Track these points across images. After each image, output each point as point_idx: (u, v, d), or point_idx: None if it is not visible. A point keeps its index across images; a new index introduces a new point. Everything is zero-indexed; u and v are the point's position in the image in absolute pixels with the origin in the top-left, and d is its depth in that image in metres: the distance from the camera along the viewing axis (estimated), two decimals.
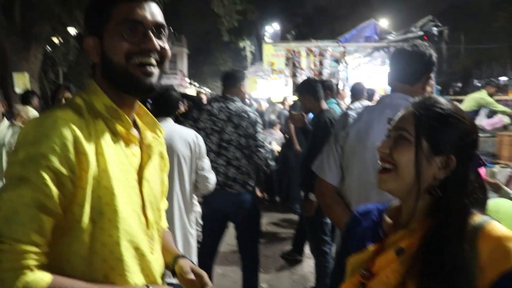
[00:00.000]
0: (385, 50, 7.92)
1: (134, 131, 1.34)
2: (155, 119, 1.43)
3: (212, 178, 3.43)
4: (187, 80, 42.75)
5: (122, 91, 1.27)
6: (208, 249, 3.96)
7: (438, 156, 1.21)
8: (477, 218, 1.17)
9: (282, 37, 27.98)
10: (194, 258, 3.41)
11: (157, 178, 1.43)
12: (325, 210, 2.40)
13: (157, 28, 1.25)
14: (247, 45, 30.09)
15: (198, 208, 3.93)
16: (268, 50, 8.41)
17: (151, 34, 1.22)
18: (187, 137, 3.28)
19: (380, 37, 8.68)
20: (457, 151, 1.20)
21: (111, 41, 1.22)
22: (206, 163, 3.40)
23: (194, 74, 46.19)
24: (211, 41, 35.87)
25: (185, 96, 6.40)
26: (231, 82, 3.96)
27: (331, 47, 7.92)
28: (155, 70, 1.25)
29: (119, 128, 1.26)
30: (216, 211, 3.89)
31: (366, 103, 5.62)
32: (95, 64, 1.28)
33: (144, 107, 1.43)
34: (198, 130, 3.72)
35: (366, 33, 8.80)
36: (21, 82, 11.61)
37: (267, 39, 26.19)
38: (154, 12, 1.25)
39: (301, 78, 7.44)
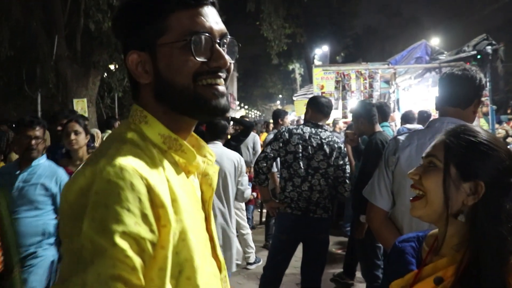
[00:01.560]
0: (436, 71, 7.79)
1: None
2: (199, 139, 1.19)
3: (247, 192, 4.27)
4: (237, 102, 43.29)
5: (188, 115, 1.04)
6: (275, 273, 3.93)
7: (466, 182, 1.22)
8: None
9: (331, 59, 28.04)
10: (234, 251, 4.09)
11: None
12: (376, 235, 2.40)
13: (223, 37, 1.04)
14: (297, 68, 30.28)
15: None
16: (318, 73, 8.45)
17: (221, 49, 1.02)
18: (233, 158, 4.11)
19: (431, 57, 8.54)
20: (487, 177, 1.21)
21: (172, 58, 0.99)
22: (245, 180, 4.20)
23: (244, 97, 46.74)
24: (260, 64, 36.29)
25: (234, 120, 6.51)
26: (326, 111, 3.96)
27: (381, 70, 7.87)
28: (224, 89, 1.04)
29: (180, 160, 1.04)
30: (293, 235, 3.87)
31: (417, 126, 5.54)
32: (141, 85, 1.05)
33: None
34: (286, 152, 3.79)
35: (417, 54, 8.70)
36: (80, 107, 12.24)
37: (316, 61, 26.29)
38: (217, 18, 1.04)
39: (351, 101, 7.43)
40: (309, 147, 3.78)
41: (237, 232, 5.99)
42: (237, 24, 26.65)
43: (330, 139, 3.82)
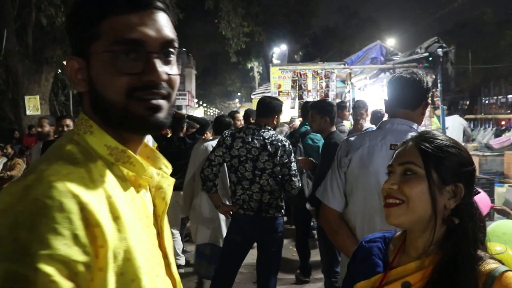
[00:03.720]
0: (390, 72, 7.98)
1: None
2: (155, 151, 1.11)
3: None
4: (195, 100, 43.02)
5: (122, 130, 0.95)
6: (227, 274, 3.91)
7: (448, 186, 1.24)
8: (493, 264, 1.18)
9: (290, 58, 28.26)
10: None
11: (167, 221, 1.12)
12: (329, 236, 2.42)
13: (165, 46, 0.93)
14: (255, 66, 30.35)
15: None
16: (275, 72, 8.50)
17: (156, 61, 0.90)
18: None
19: (386, 58, 8.76)
20: (463, 179, 1.25)
21: (101, 70, 0.90)
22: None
23: (203, 95, 46.52)
24: (219, 62, 36.25)
25: (190, 117, 6.41)
26: (268, 112, 3.93)
27: (337, 69, 7.99)
28: (164, 103, 0.93)
29: (129, 173, 0.96)
30: (248, 236, 3.85)
31: (368, 125, 5.65)
32: (83, 93, 0.97)
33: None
34: (231, 157, 3.76)
35: (372, 55, 8.89)
36: (32, 105, 11.86)
37: (275, 60, 26.43)
38: (161, 25, 0.92)
39: (307, 100, 7.50)
40: (253, 149, 3.77)
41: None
42: (195, 22, 26.47)
43: (273, 138, 3.82)
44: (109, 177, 0.90)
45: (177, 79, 0.97)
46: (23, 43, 11.84)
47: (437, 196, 1.23)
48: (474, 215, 1.24)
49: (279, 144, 3.79)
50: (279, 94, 8.31)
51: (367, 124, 5.66)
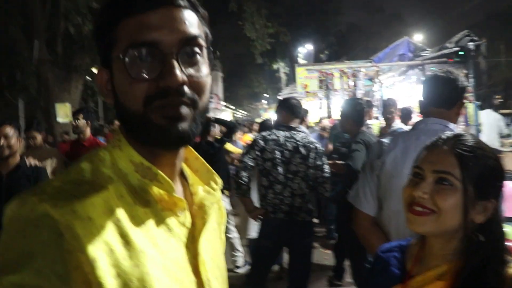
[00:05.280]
0: (419, 68, 7.79)
1: (179, 188, 0.95)
2: (209, 167, 1.02)
3: None
4: (223, 103, 43.17)
5: (145, 144, 0.87)
6: (258, 278, 3.86)
7: (481, 201, 1.17)
8: None
9: (315, 57, 28.10)
10: None
11: (217, 242, 1.04)
12: (362, 241, 2.35)
13: (186, 44, 0.82)
14: (281, 67, 30.25)
15: None
16: (301, 72, 8.42)
17: (173, 63, 0.80)
18: None
19: (414, 54, 8.56)
20: (496, 194, 1.18)
21: (120, 78, 0.83)
22: None
23: (230, 97, 46.64)
24: (245, 63, 36.21)
25: (218, 121, 6.35)
26: (298, 112, 3.88)
27: (364, 68, 7.85)
28: (186, 111, 0.82)
29: (156, 192, 0.86)
30: (278, 240, 3.80)
31: (399, 124, 5.49)
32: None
33: (193, 151, 1.03)
34: (264, 160, 3.70)
35: (400, 51, 8.69)
36: (63, 112, 12.10)
37: (300, 59, 26.30)
38: (180, 21, 0.82)
39: (335, 99, 7.40)
40: (286, 151, 3.71)
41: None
42: (220, 24, 26.53)
43: (305, 140, 3.75)
44: (124, 198, 0.82)
45: (205, 81, 0.86)
46: (53, 52, 12.08)
47: (469, 210, 1.15)
48: (502, 230, 1.18)
49: (311, 146, 3.74)
50: (306, 95, 8.23)
51: (397, 123, 5.51)
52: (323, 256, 6.36)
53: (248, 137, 8.32)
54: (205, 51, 0.87)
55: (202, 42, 0.86)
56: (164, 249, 0.84)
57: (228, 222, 5.65)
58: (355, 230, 2.38)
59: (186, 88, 0.82)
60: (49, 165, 4.63)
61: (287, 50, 28.53)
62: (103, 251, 0.73)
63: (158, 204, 0.86)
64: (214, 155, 5.60)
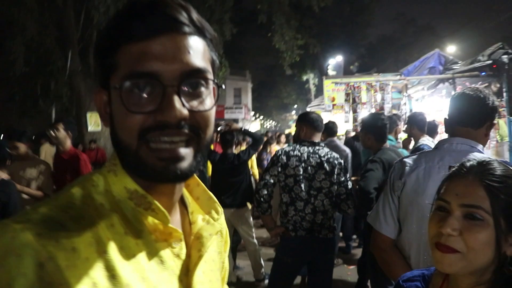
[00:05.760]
0: (450, 82, 7.59)
1: (177, 217, 0.91)
2: (210, 194, 0.97)
3: None
4: (252, 113, 43.33)
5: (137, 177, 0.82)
6: None
7: None
8: None
9: (345, 69, 27.90)
10: None
11: (215, 273, 0.98)
12: (381, 265, 2.25)
13: (189, 77, 0.77)
14: (311, 78, 30.18)
15: None
16: (329, 85, 8.34)
17: (173, 96, 0.75)
18: None
19: (445, 67, 8.35)
20: None
21: (117, 106, 0.78)
22: None
23: (259, 108, 46.80)
24: (274, 74, 36.34)
25: (245, 132, 6.28)
26: (320, 127, 3.81)
27: (392, 81, 7.71)
28: (184, 150, 0.77)
29: (151, 221, 0.82)
30: (299, 257, 3.71)
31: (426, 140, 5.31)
32: None
33: (195, 177, 0.97)
34: (286, 176, 3.63)
35: (430, 64, 8.50)
36: (93, 121, 12.38)
37: (330, 71, 26.15)
38: (182, 52, 0.77)
39: (362, 113, 7.28)
40: (309, 167, 3.62)
41: (245, 249, 5.93)
42: (250, 36, 26.69)
43: (329, 156, 3.67)
44: (115, 227, 0.78)
45: (209, 115, 0.81)
46: (86, 63, 12.37)
47: (502, 244, 1.06)
48: None
49: (336, 162, 3.65)
50: (333, 108, 8.14)
51: (424, 139, 5.28)
52: (346, 271, 6.23)
53: (275, 149, 8.26)
54: (210, 82, 0.81)
55: (207, 74, 0.80)
56: (154, 283, 0.79)
57: (248, 234, 5.65)
58: (373, 252, 2.29)
59: (186, 123, 0.77)
60: (34, 175, 4.59)
61: (317, 61, 28.48)
62: (86, 284, 0.69)
63: (152, 235, 0.82)
64: (238, 167, 5.55)
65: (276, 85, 41.19)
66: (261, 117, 50.44)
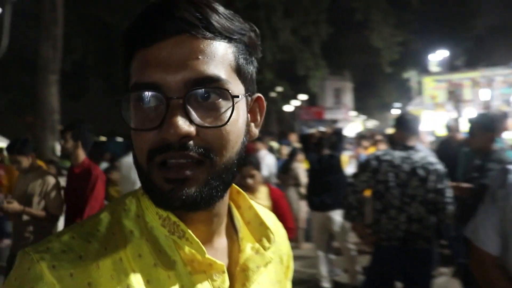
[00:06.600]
0: None
1: (222, 245, 0.82)
2: (263, 219, 0.85)
3: None
4: (352, 113, 42.54)
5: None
6: None
7: None
8: None
9: (450, 65, 26.28)
10: None
11: None
12: (483, 286, 2.00)
13: (196, 86, 0.66)
14: (412, 76, 28.90)
15: None
16: (429, 83, 7.87)
17: (175, 110, 0.65)
18: None
19: None
20: None
21: (130, 122, 0.71)
22: None
23: (360, 107, 45.88)
24: (375, 73, 35.36)
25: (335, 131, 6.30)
26: (413, 129, 3.55)
27: (500, 76, 7.06)
28: (192, 172, 0.67)
29: (187, 251, 0.73)
30: (393, 269, 3.49)
31: None
32: None
33: (247, 199, 0.87)
34: (377, 182, 3.46)
35: None
36: None
37: (433, 67, 24.78)
38: (190, 58, 0.66)
39: (465, 111, 6.74)
40: (401, 173, 3.38)
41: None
42: (348, 35, 26.20)
43: (424, 161, 3.39)
44: (143, 258, 0.70)
45: (226, 131, 0.68)
46: None
47: None
48: None
49: (431, 167, 3.37)
50: (434, 107, 7.65)
51: None
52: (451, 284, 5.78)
53: (373, 150, 7.94)
54: (230, 91, 0.68)
55: (223, 84, 0.68)
56: None
57: (344, 239, 5.53)
58: (473, 271, 2.04)
59: (192, 142, 0.66)
60: (37, 191, 4.03)
61: (418, 58, 27.16)
62: None
63: (187, 266, 0.73)
64: (338, 166, 5.66)
65: (376, 83, 40.03)
66: (363, 117, 49.31)
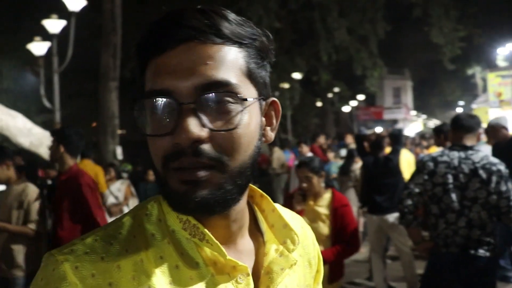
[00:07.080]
0: None
1: (247, 247, 0.82)
2: (286, 221, 0.84)
3: None
4: (413, 113, 41.35)
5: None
6: None
7: None
8: None
9: None
10: None
11: None
12: None
13: (207, 91, 0.67)
14: (477, 72, 27.66)
15: None
16: (494, 79, 7.46)
17: (186, 115, 0.66)
18: None
19: None
20: None
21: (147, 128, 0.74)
22: None
23: (421, 106, 44.58)
24: (436, 70, 34.18)
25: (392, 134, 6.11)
26: (470, 128, 3.35)
27: None
28: (206, 174, 0.68)
29: (209, 253, 0.74)
30: (451, 278, 3.29)
31: None
32: None
33: (270, 202, 0.86)
34: (434, 185, 3.28)
35: None
36: None
37: (500, 62, 23.55)
38: (199, 63, 0.68)
39: None
40: (461, 174, 3.18)
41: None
42: (406, 32, 25.42)
43: (485, 161, 3.17)
44: (164, 259, 0.72)
45: (239, 135, 0.69)
46: None
47: None
48: None
49: (493, 168, 3.16)
50: (500, 105, 7.23)
51: None
52: None
53: (435, 149, 7.63)
54: (240, 95, 0.69)
55: (233, 88, 0.69)
56: None
57: (401, 243, 5.34)
58: None
59: (204, 147, 0.67)
60: (15, 205, 3.73)
61: (483, 53, 25.92)
62: None
63: (209, 267, 0.74)
64: (395, 168, 5.50)
65: (438, 81, 38.65)
66: (424, 116, 47.81)
